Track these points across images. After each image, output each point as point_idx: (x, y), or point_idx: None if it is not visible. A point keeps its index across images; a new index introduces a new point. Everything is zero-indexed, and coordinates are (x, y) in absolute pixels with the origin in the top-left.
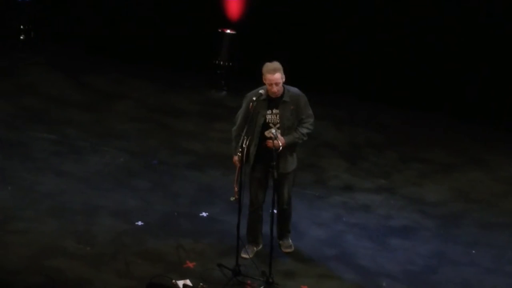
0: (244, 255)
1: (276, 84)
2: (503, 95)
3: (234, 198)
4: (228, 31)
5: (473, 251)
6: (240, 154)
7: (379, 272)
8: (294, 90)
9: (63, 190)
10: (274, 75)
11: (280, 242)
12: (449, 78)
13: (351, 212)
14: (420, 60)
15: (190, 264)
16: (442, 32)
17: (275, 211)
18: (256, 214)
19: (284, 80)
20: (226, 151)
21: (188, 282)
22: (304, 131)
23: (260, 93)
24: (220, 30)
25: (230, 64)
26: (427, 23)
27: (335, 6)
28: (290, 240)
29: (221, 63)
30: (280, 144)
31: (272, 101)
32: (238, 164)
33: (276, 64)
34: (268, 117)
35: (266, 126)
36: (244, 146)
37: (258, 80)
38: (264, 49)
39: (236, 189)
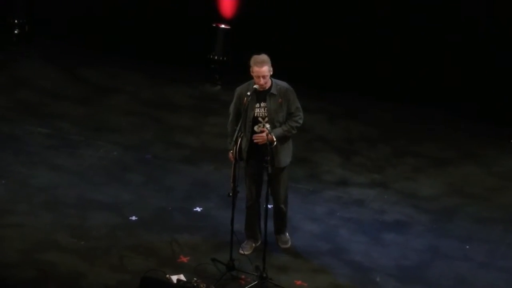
0: (241, 252)
1: (263, 77)
2: (497, 90)
3: (230, 194)
4: (223, 26)
5: (467, 246)
6: (233, 150)
7: (373, 267)
8: (282, 83)
9: (57, 184)
10: (262, 68)
11: (277, 236)
12: (443, 73)
13: (344, 207)
14: (413, 54)
15: (184, 259)
16: (436, 26)
17: (269, 206)
18: (253, 209)
19: (271, 73)
20: (220, 146)
21: (182, 276)
22: (294, 124)
23: (255, 88)
24: (214, 25)
25: (225, 58)
26: (420, 19)
27: (330, 2)
28: (287, 235)
29: (216, 57)
30: (275, 139)
31: (259, 95)
32: (232, 160)
33: (264, 57)
34: (256, 110)
35: (255, 120)
36: (236, 142)
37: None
38: (258, 44)
39: (232, 184)
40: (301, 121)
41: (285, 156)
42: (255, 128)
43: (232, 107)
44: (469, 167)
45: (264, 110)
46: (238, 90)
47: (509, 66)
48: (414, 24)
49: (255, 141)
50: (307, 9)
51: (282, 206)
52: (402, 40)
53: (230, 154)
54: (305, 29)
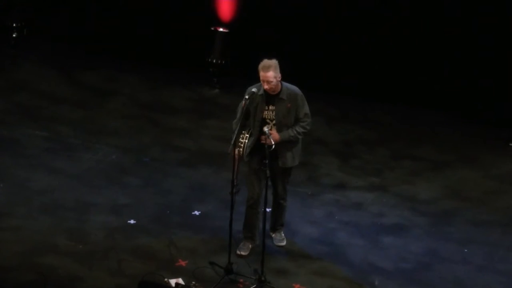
0: (238, 253)
1: (268, 82)
2: (495, 92)
3: (234, 190)
4: (221, 29)
5: (465, 249)
6: (238, 149)
7: (372, 270)
8: (293, 88)
9: (55, 187)
10: (267, 73)
11: (273, 235)
12: (440, 75)
13: (343, 210)
14: (412, 57)
15: (182, 262)
16: (434, 30)
17: (268, 209)
18: (253, 209)
19: (279, 78)
20: (218, 149)
21: (180, 280)
22: (300, 130)
23: (253, 91)
24: (212, 28)
25: (223, 62)
26: (419, 20)
27: (327, 4)
28: (283, 234)
29: (214, 61)
30: (273, 142)
31: (269, 97)
32: (236, 157)
33: (271, 62)
34: (265, 112)
35: (264, 121)
36: (241, 140)
37: (250, 78)
38: (256, 47)
39: (234, 182)
40: (308, 127)
41: (291, 158)
42: (264, 129)
43: (240, 105)
44: (467, 170)
45: (272, 113)
46: (248, 90)
47: (508, 68)
48: (413, 26)
49: (261, 141)
50: (306, 10)
51: (282, 201)
52: (402, 42)
53: (235, 152)
54: (304, 31)
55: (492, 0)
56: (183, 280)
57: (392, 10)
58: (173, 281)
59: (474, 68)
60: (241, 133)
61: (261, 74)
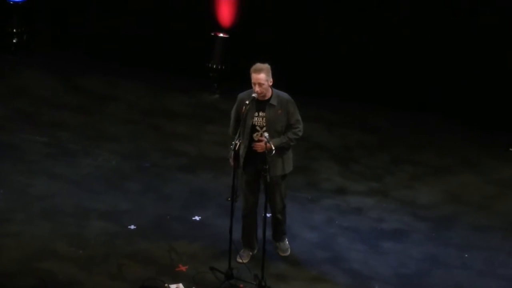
0: (239, 260)
1: (259, 84)
2: (495, 96)
3: (229, 198)
4: (221, 34)
5: (466, 254)
6: (232, 156)
7: (371, 275)
8: (283, 94)
9: (55, 192)
10: (259, 75)
11: (277, 244)
12: (441, 80)
13: (343, 215)
14: (412, 61)
15: (183, 268)
16: (434, 33)
17: (268, 215)
18: (249, 218)
19: (271, 83)
20: (218, 154)
21: (180, 285)
22: (292, 136)
23: (253, 96)
24: (212, 34)
25: (223, 67)
26: (418, 25)
27: (326, 8)
28: (287, 243)
29: (214, 66)
30: (273, 148)
31: (259, 104)
32: (232, 165)
33: (263, 65)
34: (255, 119)
35: (254, 128)
36: (235, 148)
37: (250, 83)
38: (256, 53)
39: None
40: (300, 133)
41: (282, 165)
42: (254, 136)
43: (233, 112)
44: (467, 175)
45: (263, 119)
46: (240, 96)
47: (508, 73)
48: (413, 31)
49: (254, 148)
50: (306, 15)
51: (279, 215)
52: (401, 47)
53: (231, 160)
54: (303, 37)
55: (492, 0)
56: (184, 285)
57: (392, 10)
58: (173, 286)
59: (474, 68)
60: (235, 141)
61: (253, 76)
